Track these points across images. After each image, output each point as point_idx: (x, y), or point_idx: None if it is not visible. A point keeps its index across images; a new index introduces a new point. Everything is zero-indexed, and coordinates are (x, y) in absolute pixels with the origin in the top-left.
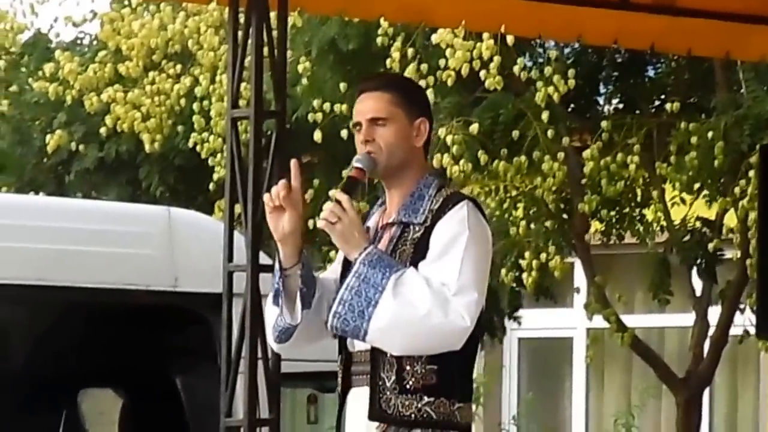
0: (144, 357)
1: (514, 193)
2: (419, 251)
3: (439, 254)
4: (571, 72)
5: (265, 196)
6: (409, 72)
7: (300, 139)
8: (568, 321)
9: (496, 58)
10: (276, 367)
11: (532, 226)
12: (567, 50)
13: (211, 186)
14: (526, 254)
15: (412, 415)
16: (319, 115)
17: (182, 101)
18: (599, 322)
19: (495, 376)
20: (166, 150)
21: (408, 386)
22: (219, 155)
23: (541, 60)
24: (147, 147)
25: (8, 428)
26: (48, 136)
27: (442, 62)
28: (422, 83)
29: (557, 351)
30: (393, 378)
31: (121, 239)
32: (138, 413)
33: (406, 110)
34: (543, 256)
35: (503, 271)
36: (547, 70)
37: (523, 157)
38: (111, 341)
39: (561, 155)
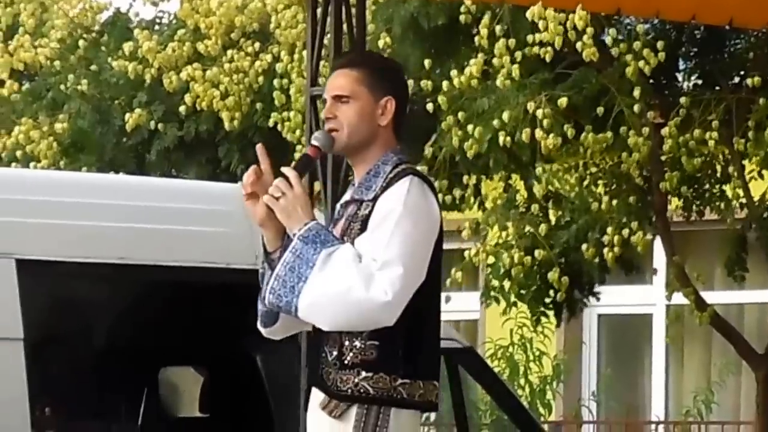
0: (224, 335)
1: (593, 170)
2: (365, 227)
3: (372, 229)
4: (660, 44)
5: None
6: (498, 48)
7: None
8: (648, 297)
9: (589, 29)
10: None
11: (614, 202)
12: (647, 26)
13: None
14: (608, 230)
15: (349, 390)
16: None
17: (260, 79)
18: (679, 298)
19: (574, 353)
20: (246, 128)
21: (346, 361)
22: (299, 132)
23: (621, 37)
24: (226, 125)
25: (91, 406)
26: (128, 116)
27: (530, 38)
28: (508, 59)
29: (636, 327)
30: (334, 353)
31: (202, 217)
32: (218, 391)
33: (371, 88)
34: (625, 231)
35: (585, 246)
36: (636, 44)
37: (609, 133)
38: (192, 319)
39: (646, 130)
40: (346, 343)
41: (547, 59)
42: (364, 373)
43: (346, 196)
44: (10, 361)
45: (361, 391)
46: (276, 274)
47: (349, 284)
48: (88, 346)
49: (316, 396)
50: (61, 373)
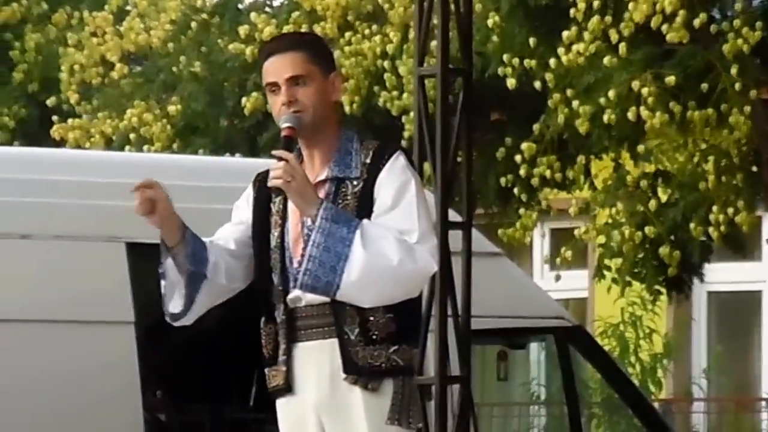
0: None
1: (703, 146)
2: (363, 205)
3: (392, 205)
4: (758, 24)
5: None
6: (593, 24)
7: (491, 97)
8: (757, 274)
9: (682, 12)
10: (466, 324)
11: (723, 179)
12: (755, 3)
13: (405, 144)
14: (714, 208)
15: (382, 365)
16: (509, 70)
17: (379, 62)
18: None
19: (684, 330)
20: (365, 110)
21: (374, 337)
22: (412, 113)
23: (729, 13)
24: (347, 108)
25: (202, 388)
26: (243, 99)
27: (627, 15)
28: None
29: (746, 304)
30: (357, 330)
31: None
32: None
33: (320, 67)
34: (730, 210)
35: (692, 225)
36: (736, 22)
37: (710, 110)
38: None
39: (747, 109)
40: (371, 318)
41: (626, 34)
42: (392, 347)
43: (312, 175)
44: (122, 345)
45: (393, 364)
46: (309, 255)
47: (399, 257)
48: (198, 329)
49: (327, 371)
50: (172, 355)
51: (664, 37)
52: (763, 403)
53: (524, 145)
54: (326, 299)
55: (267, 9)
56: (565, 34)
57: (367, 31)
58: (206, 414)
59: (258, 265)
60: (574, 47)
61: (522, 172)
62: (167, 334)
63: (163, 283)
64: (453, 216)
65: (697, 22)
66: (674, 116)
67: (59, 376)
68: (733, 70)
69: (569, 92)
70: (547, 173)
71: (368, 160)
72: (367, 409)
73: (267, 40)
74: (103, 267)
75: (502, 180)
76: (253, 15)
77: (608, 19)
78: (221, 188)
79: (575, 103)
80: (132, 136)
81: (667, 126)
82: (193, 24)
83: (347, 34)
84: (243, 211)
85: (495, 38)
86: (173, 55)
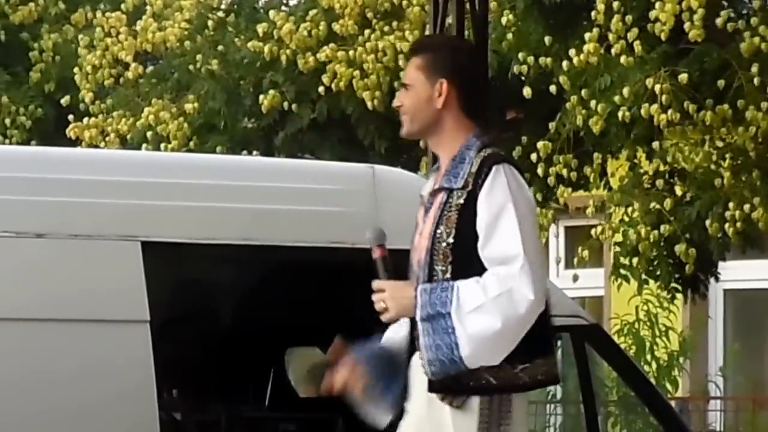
0: (350, 314)
1: (720, 144)
2: (464, 218)
3: (489, 233)
4: None
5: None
6: (614, 24)
7: (506, 95)
8: None
9: (700, 10)
10: None
11: (742, 177)
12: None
13: (421, 142)
14: (730, 205)
15: (472, 383)
16: (525, 68)
17: (398, 57)
18: None
19: (701, 328)
20: (385, 107)
21: None
22: None
23: (745, 11)
24: (369, 104)
25: (218, 388)
26: (261, 97)
27: (649, 14)
28: (631, 34)
29: (763, 302)
30: None
31: (327, 197)
32: None
33: (427, 74)
34: (747, 207)
35: (708, 222)
36: (753, 20)
37: (726, 106)
38: (317, 299)
39: (765, 105)
40: None
41: (663, 37)
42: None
43: (433, 184)
44: (137, 344)
45: (483, 382)
46: (427, 359)
47: (501, 318)
48: (213, 328)
49: (422, 384)
50: (187, 354)
51: (679, 36)
52: None
53: (540, 144)
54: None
55: (284, 8)
56: (587, 35)
57: (386, 28)
58: (222, 413)
59: None
60: (586, 47)
61: (540, 171)
62: (182, 333)
63: None
64: None
65: (719, 21)
66: (689, 114)
67: (75, 375)
68: (754, 69)
69: (584, 92)
70: (564, 172)
71: (474, 170)
72: (454, 426)
73: None
74: (118, 266)
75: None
76: (272, 13)
77: (629, 18)
78: (238, 187)
79: (592, 103)
80: (149, 134)
81: (683, 124)
82: (210, 23)
83: (366, 32)
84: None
85: (510, 36)
86: (189, 54)
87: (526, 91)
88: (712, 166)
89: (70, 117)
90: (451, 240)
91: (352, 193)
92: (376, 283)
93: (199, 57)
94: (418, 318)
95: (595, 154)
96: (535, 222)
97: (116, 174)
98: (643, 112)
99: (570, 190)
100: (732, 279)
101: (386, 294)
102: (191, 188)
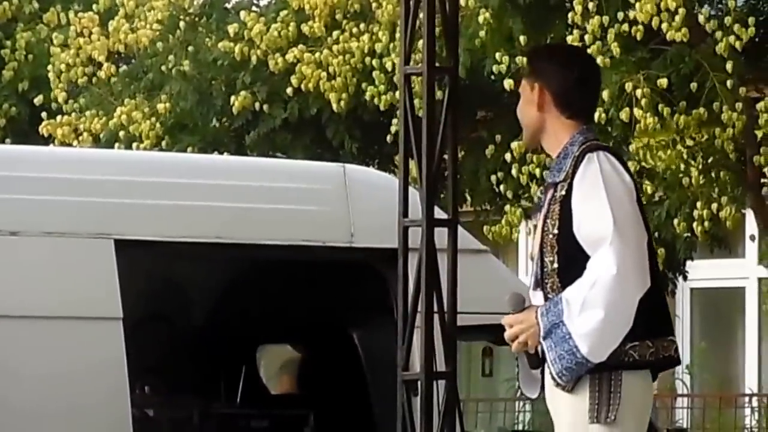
0: (321, 312)
1: (690, 143)
2: (564, 209)
3: (583, 214)
4: (751, 20)
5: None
6: (593, 25)
7: (478, 93)
8: (741, 271)
9: (681, 10)
10: (452, 320)
11: (712, 174)
12: (740, 2)
13: (391, 139)
14: (698, 204)
15: None
16: (503, 67)
17: (367, 59)
18: None
19: None
20: (354, 107)
21: None
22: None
23: (714, 12)
24: (334, 106)
25: (190, 384)
26: (232, 98)
27: (621, 15)
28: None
29: (729, 301)
30: None
31: (299, 196)
32: (316, 368)
33: (528, 80)
34: (714, 206)
35: (676, 221)
36: (727, 19)
37: (702, 109)
38: (289, 297)
39: (739, 105)
40: None
41: (638, 37)
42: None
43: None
44: (110, 340)
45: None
46: (550, 360)
47: (604, 306)
48: (186, 325)
49: (550, 382)
50: (159, 351)
51: (653, 36)
52: (746, 398)
53: (514, 144)
54: (529, 306)
55: (254, 8)
56: (569, 39)
57: (354, 30)
58: (194, 410)
59: None
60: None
61: (514, 171)
62: (155, 330)
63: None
64: (439, 213)
65: (701, 18)
66: (664, 117)
67: (47, 372)
68: (728, 66)
69: None
70: (537, 171)
71: (574, 162)
72: (568, 411)
73: None
74: (91, 263)
75: (493, 178)
76: (242, 14)
77: (605, 19)
78: (211, 185)
79: None
80: (121, 133)
81: (658, 125)
82: (181, 24)
83: (335, 33)
84: None
85: (483, 35)
86: (161, 55)
87: (508, 83)
88: (682, 166)
89: (43, 115)
90: (555, 231)
91: (324, 192)
92: (509, 319)
93: (171, 57)
94: (542, 337)
95: None
96: (632, 203)
97: (90, 172)
98: (623, 116)
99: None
100: (699, 278)
101: (516, 328)
102: (164, 187)
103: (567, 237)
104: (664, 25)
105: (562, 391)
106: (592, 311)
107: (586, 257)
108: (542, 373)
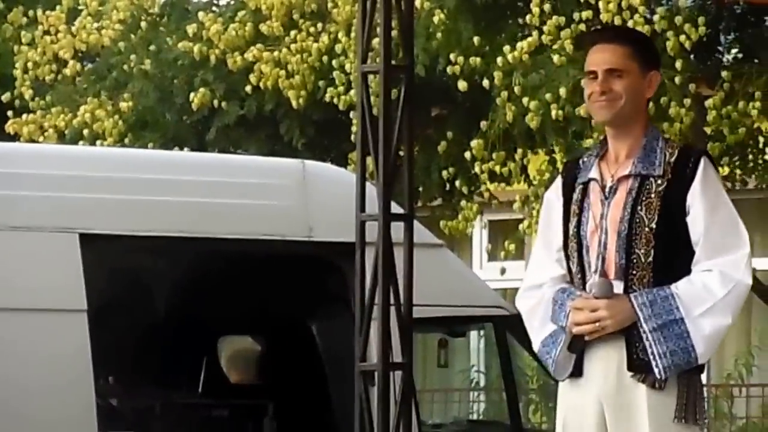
0: (280, 305)
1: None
2: (670, 206)
3: (711, 222)
4: (701, 20)
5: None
6: (550, 26)
7: (433, 92)
8: None
9: (642, 9)
10: (408, 312)
11: None
12: (689, 2)
13: (353, 138)
14: None
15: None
16: (457, 68)
17: (324, 58)
18: None
19: None
20: (307, 105)
21: None
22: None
23: (664, 13)
24: (294, 104)
25: (153, 375)
26: (192, 95)
27: (576, 15)
28: (565, 35)
29: None
30: None
31: (258, 191)
32: (275, 359)
33: (640, 63)
34: None
35: None
36: (677, 19)
37: (650, 104)
38: (249, 290)
39: (688, 101)
40: None
41: None
42: None
43: (617, 170)
44: (75, 332)
45: None
46: (657, 353)
47: (731, 313)
48: (149, 317)
49: (615, 365)
50: (123, 343)
51: None
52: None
53: (474, 143)
54: (618, 294)
55: (214, 8)
56: (528, 39)
57: (312, 30)
58: (157, 400)
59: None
60: (520, 45)
61: (477, 169)
62: (119, 322)
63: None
64: (395, 208)
65: (656, 18)
66: None
67: (13, 363)
68: (678, 64)
69: (516, 89)
70: (496, 168)
71: (672, 160)
72: (651, 408)
73: (596, 29)
74: (57, 257)
75: (444, 173)
76: (200, 14)
77: (561, 20)
78: (173, 181)
79: (525, 100)
80: (85, 131)
81: None
82: (143, 23)
83: (292, 33)
84: (555, 205)
85: (439, 35)
86: (124, 53)
87: (462, 85)
88: None
89: (9, 113)
90: (653, 225)
91: (284, 187)
92: (591, 303)
93: (133, 57)
94: (647, 329)
95: (519, 150)
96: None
97: (55, 168)
98: (583, 111)
99: (495, 184)
100: None
101: (603, 312)
102: (128, 182)
103: (669, 233)
104: (630, 23)
105: (649, 386)
106: (722, 318)
107: (686, 255)
108: (579, 358)
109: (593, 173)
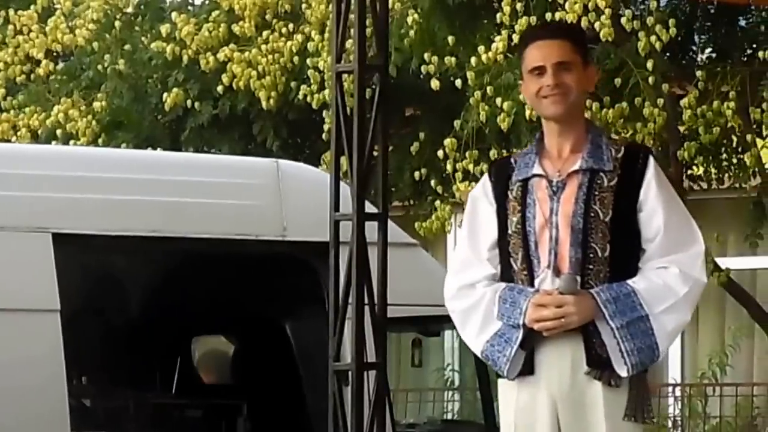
0: (254, 304)
1: (616, 138)
2: (623, 199)
3: (667, 220)
4: (672, 21)
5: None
6: (521, 25)
7: (406, 92)
8: None
9: (607, 10)
10: (382, 312)
11: None
12: (662, 3)
13: (324, 137)
14: None
15: None
16: (432, 67)
17: (296, 59)
18: None
19: None
20: (280, 105)
21: None
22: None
23: (637, 13)
24: (264, 104)
25: (126, 375)
26: (165, 95)
27: (548, 15)
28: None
29: None
30: None
31: (232, 191)
32: (249, 359)
33: (581, 57)
34: None
35: None
36: (649, 20)
37: (624, 104)
38: (223, 290)
39: (661, 101)
40: None
41: None
42: None
43: (564, 165)
44: (48, 332)
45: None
46: (625, 350)
47: (689, 310)
48: (122, 317)
49: (569, 362)
50: (96, 343)
51: None
52: (670, 388)
53: (447, 141)
54: (580, 290)
55: (189, 7)
56: (497, 39)
57: (284, 30)
58: (130, 400)
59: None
60: (495, 45)
61: (449, 167)
62: (92, 322)
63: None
64: (369, 208)
65: (624, 20)
66: (592, 111)
67: None
68: (649, 64)
69: (489, 89)
70: (470, 167)
71: (620, 156)
72: (607, 405)
73: (533, 27)
74: (30, 257)
75: (417, 174)
76: (174, 14)
77: (533, 19)
78: (147, 180)
79: (498, 100)
80: (58, 131)
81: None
82: (117, 23)
83: (265, 33)
84: (483, 204)
85: (413, 35)
86: (98, 53)
87: (435, 84)
88: None
89: None
90: (608, 219)
91: (257, 186)
92: (558, 299)
93: (107, 56)
94: (614, 326)
95: (492, 151)
96: None
97: (28, 168)
98: None
99: (467, 183)
100: None
101: (571, 308)
102: (102, 182)
103: (624, 228)
104: (597, 24)
105: (605, 383)
106: (682, 314)
107: (639, 249)
108: (529, 355)
109: (536, 169)
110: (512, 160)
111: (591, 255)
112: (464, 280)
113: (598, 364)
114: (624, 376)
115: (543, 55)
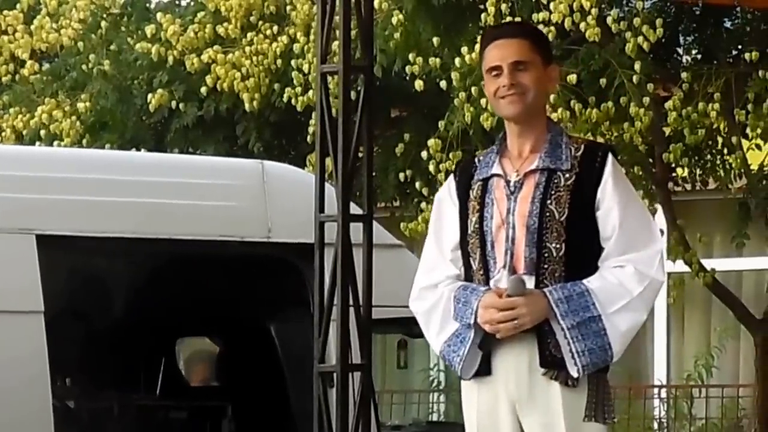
0: (239, 306)
1: (601, 140)
2: (579, 198)
3: (623, 219)
4: (658, 22)
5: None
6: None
7: (391, 93)
8: None
9: (594, 11)
10: (367, 313)
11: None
12: (648, 4)
13: (309, 139)
14: None
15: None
16: (416, 68)
17: (279, 61)
18: (680, 266)
19: None
20: (263, 107)
21: None
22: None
23: (622, 14)
24: (247, 106)
25: (110, 376)
26: (150, 96)
27: (535, 16)
28: None
29: None
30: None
31: (217, 192)
32: (234, 360)
33: (541, 56)
34: None
35: None
36: (636, 21)
37: (610, 104)
38: (207, 291)
39: (646, 100)
40: None
41: (550, 38)
42: None
43: (522, 165)
44: (31, 334)
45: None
46: (576, 351)
47: (644, 309)
48: (106, 318)
49: (526, 362)
50: (80, 344)
51: (564, 36)
52: (655, 390)
53: (431, 141)
54: (531, 290)
55: (176, 8)
56: (474, 33)
57: (269, 32)
58: (114, 401)
59: (461, 251)
60: (478, 47)
61: (431, 168)
62: (76, 324)
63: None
64: (354, 209)
65: (609, 20)
66: (575, 113)
67: None
68: (637, 66)
69: (473, 91)
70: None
71: (579, 154)
72: (565, 406)
73: (492, 26)
74: (13, 258)
75: (402, 175)
76: (159, 15)
77: (518, 20)
78: (131, 181)
79: (483, 101)
80: (42, 132)
81: (569, 121)
82: (103, 23)
83: (249, 34)
84: (447, 205)
85: (398, 36)
86: (83, 54)
87: (418, 84)
88: None
89: None
90: (564, 219)
91: (242, 188)
92: (507, 301)
93: (92, 57)
94: (564, 326)
95: (477, 152)
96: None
97: (12, 169)
98: None
99: None
100: None
101: (522, 310)
102: (86, 183)
103: (580, 227)
104: (582, 24)
105: (562, 384)
106: (637, 314)
107: (596, 248)
108: (485, 355)
109: (495, 169)
110: (476, 160)
111: (546, 255)
112: (427, 282)
113: (553, 365)
114: (581, 377)
115: (501, 54)
